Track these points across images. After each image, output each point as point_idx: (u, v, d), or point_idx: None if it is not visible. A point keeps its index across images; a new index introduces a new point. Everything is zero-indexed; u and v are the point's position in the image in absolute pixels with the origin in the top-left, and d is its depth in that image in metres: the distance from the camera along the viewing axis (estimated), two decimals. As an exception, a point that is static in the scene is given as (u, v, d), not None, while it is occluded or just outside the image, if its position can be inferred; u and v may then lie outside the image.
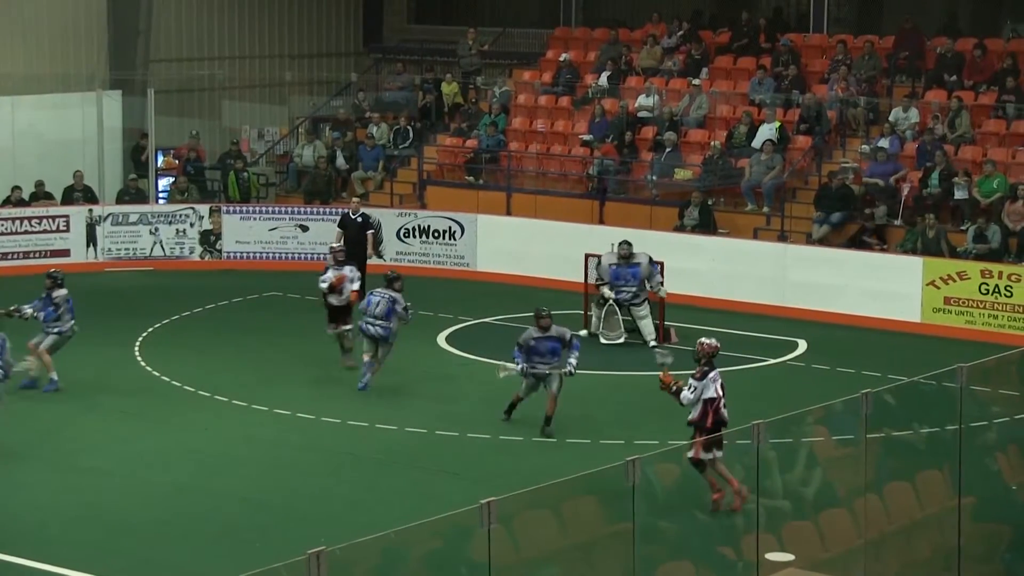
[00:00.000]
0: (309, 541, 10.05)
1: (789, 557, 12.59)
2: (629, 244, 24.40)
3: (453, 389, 21.96)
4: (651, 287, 24.23)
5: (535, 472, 17.26)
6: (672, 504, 12.15)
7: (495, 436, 19.68)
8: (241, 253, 29.63)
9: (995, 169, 26.71)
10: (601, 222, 28.87)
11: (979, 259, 25.36)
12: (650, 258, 24.45)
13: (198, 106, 34.89)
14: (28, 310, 21.32)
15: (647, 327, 24.03)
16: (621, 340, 24.17)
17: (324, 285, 22.55)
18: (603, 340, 24.23)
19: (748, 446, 12.13)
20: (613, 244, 24.57)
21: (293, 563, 9.45)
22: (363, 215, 26.82)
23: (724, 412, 16.76)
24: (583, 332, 24.23)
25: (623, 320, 24.25)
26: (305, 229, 29.95)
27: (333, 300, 22.51)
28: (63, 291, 21.44)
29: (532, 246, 28.47)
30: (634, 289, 24.18)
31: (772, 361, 23.59)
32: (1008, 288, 24.70)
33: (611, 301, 24.19)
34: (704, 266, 26.82)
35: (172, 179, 31.71)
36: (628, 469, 11.10)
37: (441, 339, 24.47)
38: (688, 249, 26.87)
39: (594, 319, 24.52)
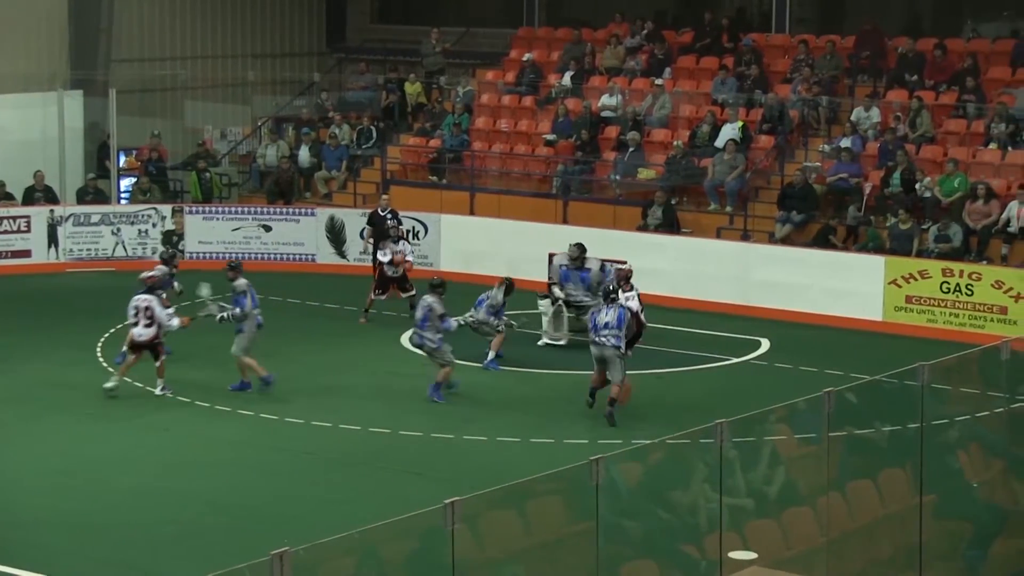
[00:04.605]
0: (272, 542, 10.02)
1: (752, 555, 12.62)
2: (580, 247, 24.06)
3: (416, 389, 21.92)
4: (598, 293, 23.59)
5: (499, 471, 17.25)
6: (636, 503, 12.14)
7: (459, 436, 19.69)
8: (204, 253, 29.54)
9: (956, 168, 26.85)
10: (565, 222, 28.91)
11: (940, 258, 25.49)
12: (603, 264, 24.22)
13: (160, 106, 34.75)
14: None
15: None
16: (563, 342, 24.02)
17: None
18: (545, 339, 24.04)
19: (711, 445, 12.15)
20: (570, 243, 24.48)
21: (257, 564, 9.43)
22: (392, 212, 26.92)
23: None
24: (541, 342, 24.15)
25: (570, 319, 24.08)
26: (268, 229, 29.89)
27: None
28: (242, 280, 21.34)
29: (496, 245, 28.48)
30: (581, 294, 24.01)
31: (735, 360, 23.65)
32: (969, 287, 24.84)
33: (560, 301, 24.08)
34: (667, 265, 26.87)
35: (134, 179, 31.60)
36: (592, 468, 11.12)
37: (404, 339, 24.45)
38: (651, 248, 26.92)
39: (544, 320, 24.27)
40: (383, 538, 10.55)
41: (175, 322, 21.15)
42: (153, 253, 29.63)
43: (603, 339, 19.96)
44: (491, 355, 22.53)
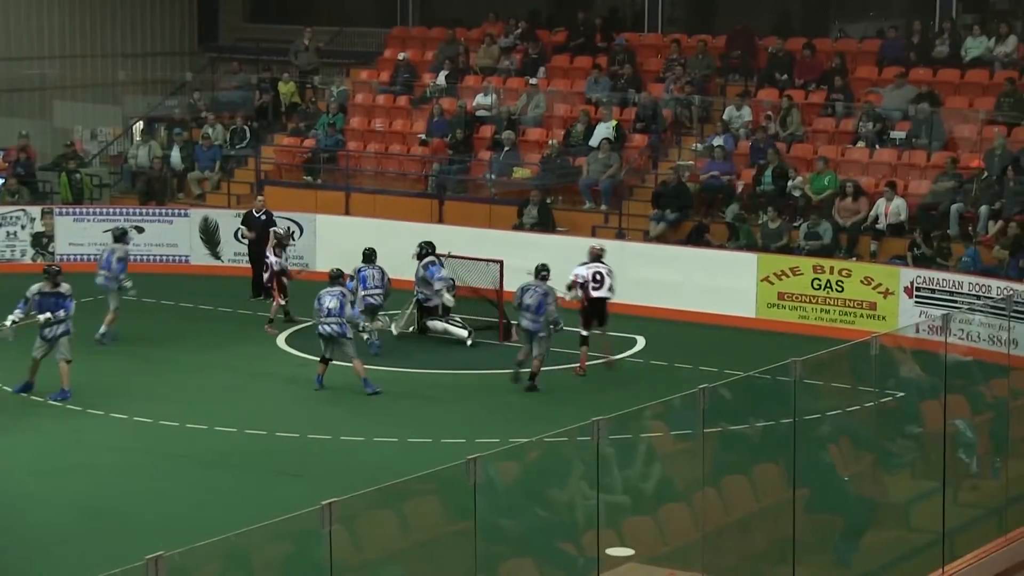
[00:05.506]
0: (147, 546, 9.92)
1: (629, 552, 12.70)
2: (420, 245, 24.66)
3: (292, 390, 21.83)
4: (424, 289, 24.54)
5: (376, 472, 17.20)
6: (513, 502, 12.17)
7: (336, 437, 19.62)
8: (75, 255, 29.12)
9: (826, 166, 27.25)
10: (441, 221, 28.90)
11: (811, 255, 25.86)
12: (428, 264, 24.50)
13: (28, 106, 34.22)
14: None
15: (449, 331, 24.29)
16: (394, 332, 24.45)
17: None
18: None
19: (588, 443, 12.22)
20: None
21: (131, 569, 9.32)
22: (266, 212, 26.74)
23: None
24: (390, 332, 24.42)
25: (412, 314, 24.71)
26: (141, 230, 29.52)
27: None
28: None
29: (372, 245, 28.33)
30: (417, 286, 24.55)
31: (611, 358, 23.76)
32: (839, 283, 25.22)
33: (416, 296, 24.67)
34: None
35: (2, 180, 31.07)
36: (469, 467, 11.13)
37: (280, 340, 24.33)
38: (527, 247, 26.94)
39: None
40: (259, 541, 10.48)
41: None
42: (22, 256, 29.24)
43: (526, 319, 21.51)
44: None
